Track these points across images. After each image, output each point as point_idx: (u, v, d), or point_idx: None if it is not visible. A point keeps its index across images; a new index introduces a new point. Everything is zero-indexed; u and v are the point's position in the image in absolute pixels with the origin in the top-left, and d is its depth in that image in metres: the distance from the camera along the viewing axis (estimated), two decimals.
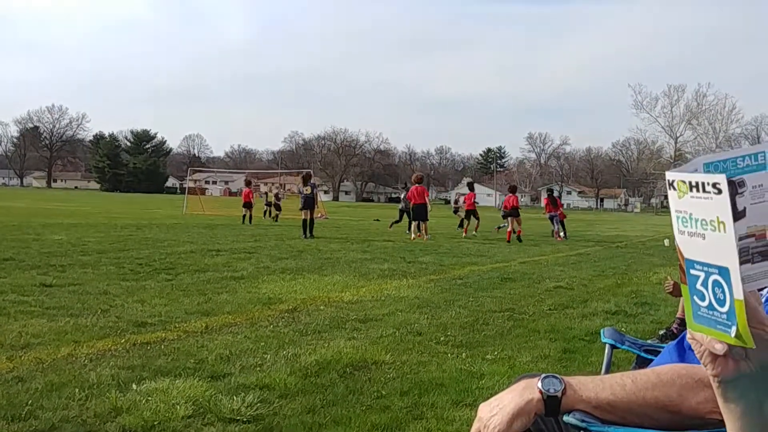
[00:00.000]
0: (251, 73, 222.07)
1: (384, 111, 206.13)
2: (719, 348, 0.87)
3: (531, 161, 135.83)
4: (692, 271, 0.87)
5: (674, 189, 0.87)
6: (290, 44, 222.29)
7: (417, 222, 19.25)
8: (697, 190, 0.83)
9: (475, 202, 22.68)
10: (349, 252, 14.18)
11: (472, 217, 21.99)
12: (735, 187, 0.80)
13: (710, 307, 0.85)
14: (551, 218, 22.00)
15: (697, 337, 0.90)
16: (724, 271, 0.82)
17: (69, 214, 27.36)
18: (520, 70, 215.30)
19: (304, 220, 18.49)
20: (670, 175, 0.87)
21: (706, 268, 0.85)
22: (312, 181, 19.93)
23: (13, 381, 4.17)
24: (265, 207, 32.72)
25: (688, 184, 0.84)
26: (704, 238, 0.84)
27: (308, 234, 18.23)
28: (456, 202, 28.97)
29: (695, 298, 0.87)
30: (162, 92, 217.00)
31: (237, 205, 29.84)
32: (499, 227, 22.66)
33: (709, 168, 0.87)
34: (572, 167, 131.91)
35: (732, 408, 0.95)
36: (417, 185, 19.62)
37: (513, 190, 21.51)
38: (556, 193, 29.42)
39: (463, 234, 21.50)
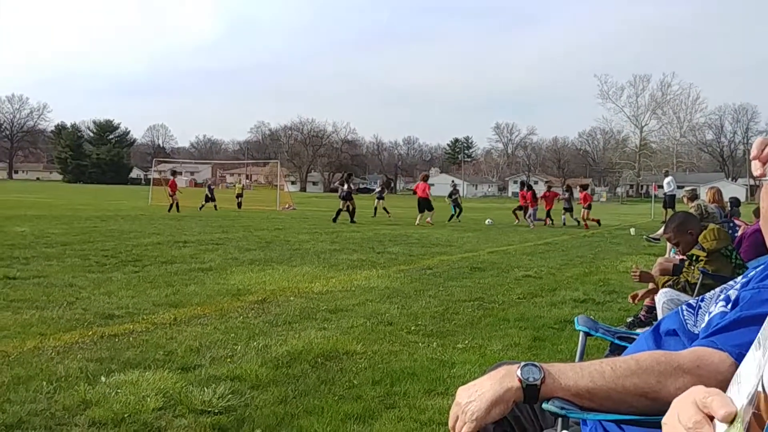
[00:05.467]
0: (216, 64, 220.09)
1: (351, 102, 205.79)
2: None
3: (498, 151, 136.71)
4: None
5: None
6: (255, 36, 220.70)
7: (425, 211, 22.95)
8: None
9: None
10: (318, 243, 14.14)
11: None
12: None
13: None
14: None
15: None
16: None
17: (31, 206, 26.85)
18: (486, 61, 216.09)
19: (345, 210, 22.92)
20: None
21: None
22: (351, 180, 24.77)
23: None
24: (237, 199, 32.88)
25: None
26: None
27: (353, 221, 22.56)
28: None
29: None
30: (126, 83, 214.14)
31: (203, 195, 29.92)
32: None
33: None
34: (539, 157, 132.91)
35: None
36: (423, 182, 23.89)
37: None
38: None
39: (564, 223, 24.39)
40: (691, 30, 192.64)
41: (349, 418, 3.62)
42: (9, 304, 6.27)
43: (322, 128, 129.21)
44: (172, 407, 3.66)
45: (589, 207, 24.80)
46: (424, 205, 23.21)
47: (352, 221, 22.48)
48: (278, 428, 3.48)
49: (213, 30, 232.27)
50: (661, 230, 8.38)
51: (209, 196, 29.95)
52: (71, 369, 4.27)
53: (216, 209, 28.64)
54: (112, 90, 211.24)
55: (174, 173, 30.11)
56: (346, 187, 23.78)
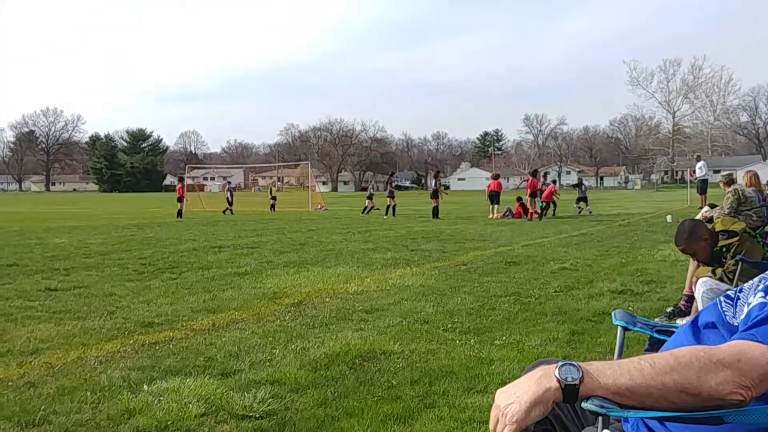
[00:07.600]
0: (244, 67, 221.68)
1: (379, 99, 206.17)
2: None
3: (528, 143, 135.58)
4: None
5: None
6: (283, 36, 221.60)
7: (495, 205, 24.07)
8: None
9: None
10: (351, 242, 14.18)
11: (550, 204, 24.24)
12: None
13: None
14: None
15: None
16: None
17: (69, 217, 27.34)
18: (514, 52, 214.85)
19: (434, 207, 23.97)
20: None
21: None
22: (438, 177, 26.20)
23: (24, 387, 4.18)
24: (271, 201, 33.31)
25: None
26: None
27: (437, 216, 23.49)
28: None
29: None
30: (156, 91, 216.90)
31: (236, 200, 30.56)
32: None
33: None
34: (570, 147, 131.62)
35: None
36: (494, 180, 25.04)
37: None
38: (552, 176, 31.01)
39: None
40: (721, 9, 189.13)
41: (390, 418, 3.62)
42: (51, 316, 6.40)
43: (351, 127, 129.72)
44: (214, 413, 3.70)
45: (533, 195, 22.70)
46: (494, 197, 24.03)
47: (436, 217, 23.70)
48: (319, 431, 3.50)
49: (237, 32, 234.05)
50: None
51: (229, 200, 30.63)
52: (114, 378, 4.34)
53: (232, 213, 29.44)
54: (144, 98, 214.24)
55: (180, 179, 30.45)
56: (434, 184, 24.99)
